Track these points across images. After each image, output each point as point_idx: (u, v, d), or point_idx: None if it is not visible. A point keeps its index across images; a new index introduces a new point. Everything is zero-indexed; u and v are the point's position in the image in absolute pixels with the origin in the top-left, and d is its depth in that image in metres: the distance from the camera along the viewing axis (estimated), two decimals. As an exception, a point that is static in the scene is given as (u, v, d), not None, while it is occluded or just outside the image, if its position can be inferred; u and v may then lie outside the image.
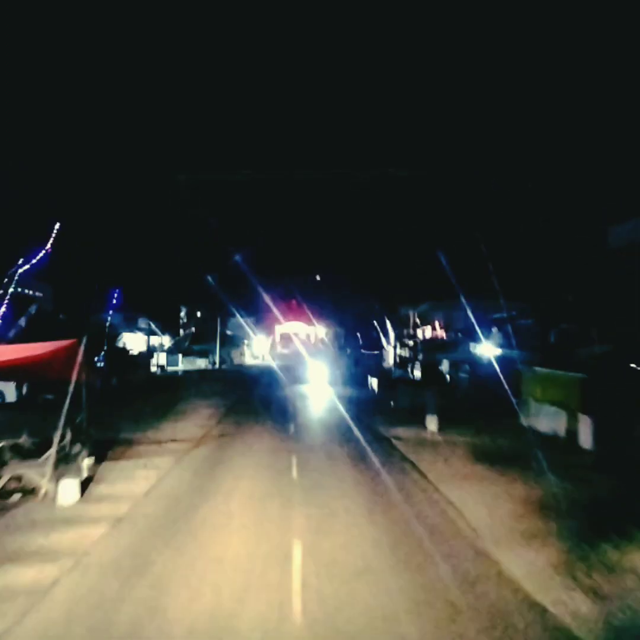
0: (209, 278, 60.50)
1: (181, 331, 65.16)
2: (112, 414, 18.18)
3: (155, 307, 57.06)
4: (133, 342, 48.40)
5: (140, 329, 52.85)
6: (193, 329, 59.85)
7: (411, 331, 52.61)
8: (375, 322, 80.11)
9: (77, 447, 10.94)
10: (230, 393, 28.48)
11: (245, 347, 72.08)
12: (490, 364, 27.48)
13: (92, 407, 11.12)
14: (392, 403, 22.02)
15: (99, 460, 11.57)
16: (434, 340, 37.61)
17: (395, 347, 73.11)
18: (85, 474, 10.19)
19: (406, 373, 33.00)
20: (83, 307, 39.57)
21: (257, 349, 76.72)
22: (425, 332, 53.31)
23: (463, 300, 28.93)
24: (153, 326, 52.21)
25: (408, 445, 14.33)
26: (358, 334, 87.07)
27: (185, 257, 57.54)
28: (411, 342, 45.08)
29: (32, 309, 20.97)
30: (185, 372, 48.29)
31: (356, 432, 16.11)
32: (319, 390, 28.34)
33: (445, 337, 34.46)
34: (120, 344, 46.84)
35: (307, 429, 17.30)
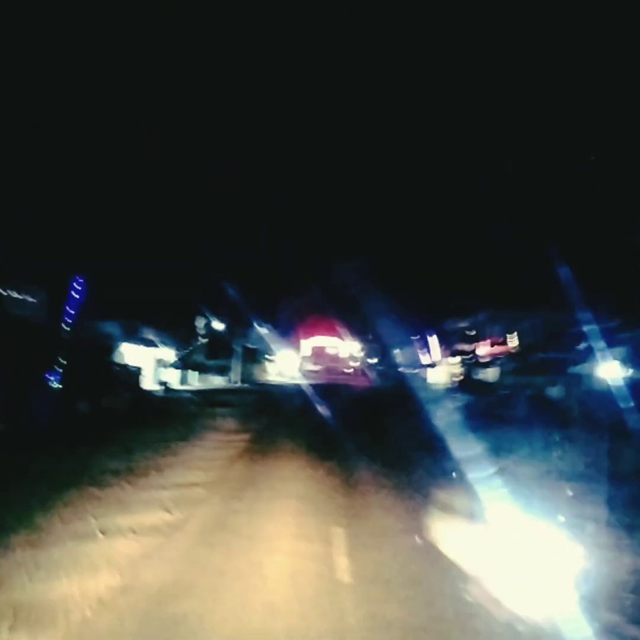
0: (228, 285, 52.58)
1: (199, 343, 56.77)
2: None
3: (166, 315, 49.02)
4: (134, 355, 40.15)
5: (144, 341, 44.57)
6: (203, 340, 51.21)
7: (468, 346, 43.27)
8: (415, 337, 70.93)
9: None
10: (243, 429, 19.70)
11: (268, 363, 63.31)
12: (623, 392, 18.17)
13: None
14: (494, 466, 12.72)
15: None
16: (525, 357, 28.01)
17: (436, 364, 63.47)
18: None
19: (480, 400, 23.74)
20: (69, 313, 31.55)
21: (283, 365, 67.95)
22: (483, 348, 44.02)
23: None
24: (153, 337, 43.77)
25: None
26: (397, 351, 77.64)
27: (202, 261, 49.84)
28: (484, 360, 35.66)
29: None
30: (195, 392, 39.63)
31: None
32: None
33: (541, 355, 24.98)
34: (117, 358, 38.64)
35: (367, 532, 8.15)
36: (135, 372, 30.72)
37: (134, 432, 18.07)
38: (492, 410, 17.99)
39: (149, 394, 32.57)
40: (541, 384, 19.98)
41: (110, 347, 34.14)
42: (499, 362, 31.54)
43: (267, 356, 63.21)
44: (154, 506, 9.06)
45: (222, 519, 8.37)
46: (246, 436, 18.16)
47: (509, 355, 31.44)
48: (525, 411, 17.74)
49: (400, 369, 64.73)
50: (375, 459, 13.54)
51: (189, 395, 35.64)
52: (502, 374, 28.22)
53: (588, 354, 20.63)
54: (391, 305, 70.48)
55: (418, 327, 67.35)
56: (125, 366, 32.48)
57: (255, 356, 59.91)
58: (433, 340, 63.55)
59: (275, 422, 22.63)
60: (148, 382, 37.84)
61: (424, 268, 58.96)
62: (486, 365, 34.05)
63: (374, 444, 16.07)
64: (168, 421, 21.99)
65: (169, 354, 47.09)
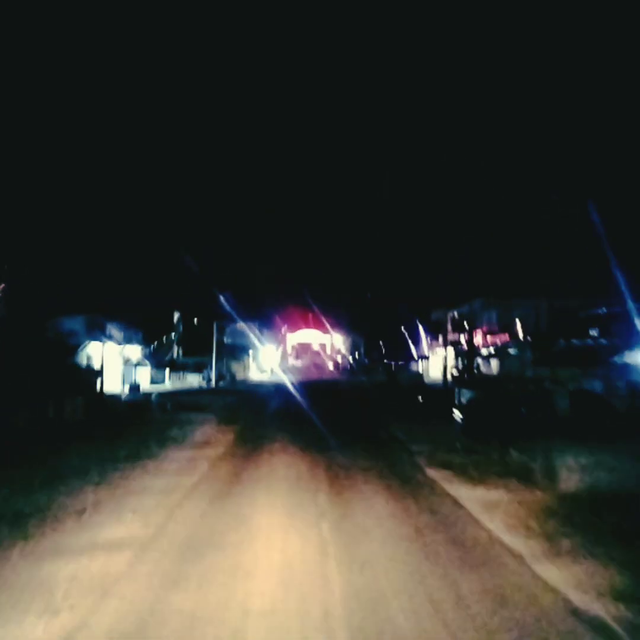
0: (208, 278, 48.99)
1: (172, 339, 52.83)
2: None
3: (136, 309, 45.22)
4: (97, 354, 36.30)
5: (112, 338, 40.66)
6: (178, 336, 47.39)
7: (464, 336, 39.94)
8: (404, 328, 67.67)
9: None
10: (214, 441, 16.09)
11: (249, 359, 59.53)
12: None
13: None
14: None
15: None
16: (546, 345, 24.40)
17: (428, 356, 60.19)
18: None
19: (489, 397, 20.25)
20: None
21: (265, 361, 64.25)
22: (481, 337, 40.83)
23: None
24: (120, 333, 39.90)
25: None
26: (380, 343, 74.39)
27: (179, 254, 46.23)
28: (485, 351, 32.27)
29: None
30: (166, 393, 35.84)
31: None
32: None
33: (575, 342, 21.38)
34: (83, 358, 34.83)
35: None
36: (95, 373, 26.84)
37: (75, 451, 14.41)
38: (518, 409, 14.64)
39: (111, 397, 28.74)
40: (576, 376, 16.59)
41: (64, 346, 30.23)
42: (508, 351, 28.21)
43: (248, 352, 59.57)
44: (42, 600, 5.45)
45: (143, 632, 4.76)
46: (217, 451, 14.61)
47: (518, 344, 28.08)
48: (569, 410, 14.23)
49: (390, 363, 61.50)
50: (387, 506, 9.92)
51: (158, 397, 31.86)
52: (518, 365, 24.79)
53: (632, 340, 17.40)
54: (379, 297, 67.22)
55: (407, 318, 64.13)
56: (83, 367, 28.64)
57: (235, 353, 56.22)
58: (423, 332, 60.34)
59: (252, 430, 19.09)
60: (113, 384, 34.01)
61: (412, 256, 55.90)
62: (489, 356, 30.75)
63: (381, 473, 12.39)
64: (125, 432, 18.35)
65: (139, 351, 43.21)
